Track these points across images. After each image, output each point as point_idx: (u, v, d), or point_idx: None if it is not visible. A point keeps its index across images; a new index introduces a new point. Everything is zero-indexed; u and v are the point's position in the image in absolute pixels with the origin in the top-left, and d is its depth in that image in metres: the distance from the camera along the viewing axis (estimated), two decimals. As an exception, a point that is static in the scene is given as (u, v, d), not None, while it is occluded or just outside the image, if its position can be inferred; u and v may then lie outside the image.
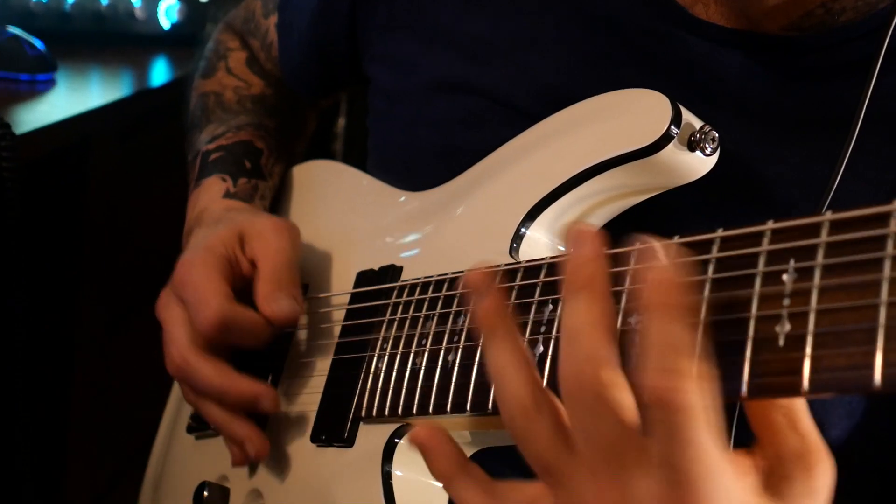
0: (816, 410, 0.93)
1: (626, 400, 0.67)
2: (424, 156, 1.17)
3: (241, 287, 1.09)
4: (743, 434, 0.72)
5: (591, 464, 0.68)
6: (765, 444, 0.70)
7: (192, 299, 1.05)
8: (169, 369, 1.08)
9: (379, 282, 1.06)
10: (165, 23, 2.31)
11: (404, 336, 0.97)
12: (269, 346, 1.08)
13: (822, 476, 0.70)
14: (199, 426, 1.22)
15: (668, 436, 0.64)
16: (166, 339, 1.08)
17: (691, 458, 0.63)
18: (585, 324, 0.69)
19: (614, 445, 0.67)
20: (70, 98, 1.86)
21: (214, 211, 1.22)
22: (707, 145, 0.89)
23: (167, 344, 1.08)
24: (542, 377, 0.79)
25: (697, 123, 0.89)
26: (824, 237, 0.65)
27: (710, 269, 0.71)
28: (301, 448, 1.07)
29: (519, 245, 0.95)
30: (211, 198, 1.25)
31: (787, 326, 0.65)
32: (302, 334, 1.14)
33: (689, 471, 0.64)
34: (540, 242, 0.95)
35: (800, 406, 0.70)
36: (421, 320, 0.96)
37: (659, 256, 0.66)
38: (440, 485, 0.94)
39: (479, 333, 0.78)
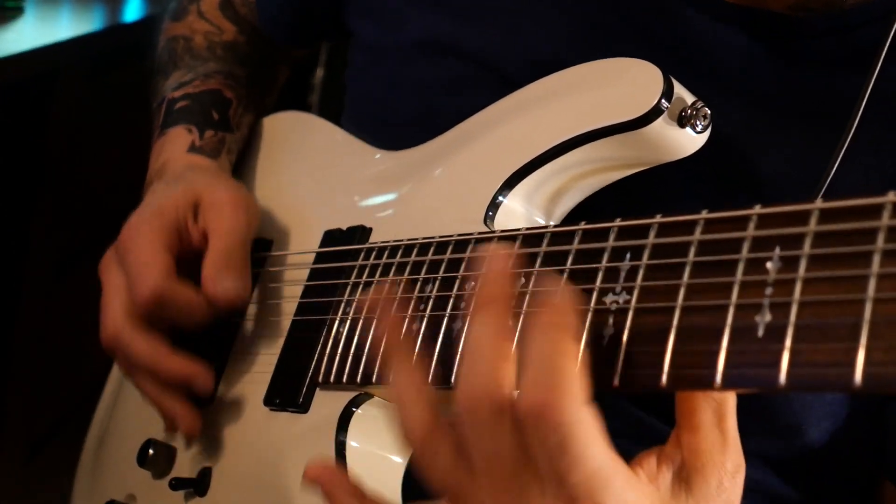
0: (795, 410, 0.92)
1: (513, 425, 0.66)
2: (401, 117, 1.14)
3: (191, 257, 1.06)
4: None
5: (492, 484, 0.68)
6: (684, 434, 0.70)
7: (131, 269, 1.02)
8: (101, 339, 1.05)
9: (346, 242, 1.03)
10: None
11: (368, 301, 0.94)
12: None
13: (733, 475, 0.70)
14: (149, 381, 1.20)
15: (552, 453, 0.63)
16: (102, 306, 1.05)
17: (580, 472, 0.63)
18: (486, 340, 0.68)
19: (512, 465, 0.66)
20: (39, 28, 1.81)
21: (177, 166, 1.18)
22: (698, 122, 0.85)
23: (103, 313, 1.05)
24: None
25: (689, 98, 0.86)
26: (813, 226, 0.62)
27: (692, 251, 0.68)
28: (253, 411, 1.04)
29: (495, 214, 0.92)
30: (175, 150, 1.21)
31: (768, 316, 0.62)
32: (264, 293, 1.11)
33: (578, 485, 0.63)
34: (516, 212, 0.92)
35: (730, 404, 0.69)
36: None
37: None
38: (397, 459, 0.92)
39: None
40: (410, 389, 0.72)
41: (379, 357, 0.80)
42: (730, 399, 0.69)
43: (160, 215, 1.05)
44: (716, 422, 0.68)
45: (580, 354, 0.67)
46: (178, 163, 1.19)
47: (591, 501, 0.63)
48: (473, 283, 0.80)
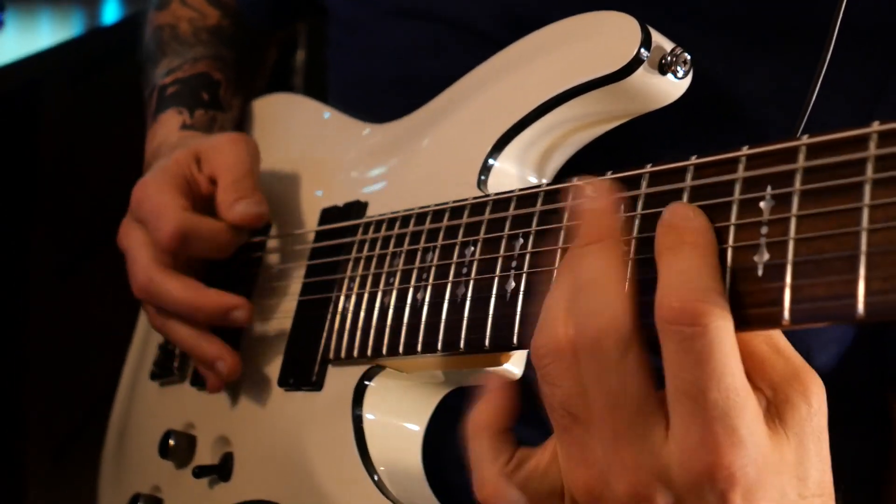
0: (802, 337, 0.92)
1: (641, 363, 0.65)
2: (383, 86, 1.14)
3: (203, 206, 1.06)
4: None
5: (611, 429, 0.65)
6: (754, 376, 0.67)
7: (149, 216, 1.03)
8: (134, 291, 1.05)
9: (344, 218, 1.03)
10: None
11: (371, 275, 0.95)
12: (232, 288, 1.05)
13: (817, 394, 0.67)
14: (163, 373, 1.20)
15: (694, 362, 0.61)
16: (130, 263, 1.05)
17: (721, 386, 0.61)
18: (603, 273, 0.66)
19: (637, 406, 0.64)
20: (19, 39, 1.81)
21: (171, 142, 1.19)
22: (679, 68, 0.85)
23: (131, 267, 1.05)
24: (515, 314, 0.78)
25: (668, 46, 0.86)
26: (801, 162, 0.63)
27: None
28: (268, 393, 1.05)
29: (487, 177, 0.92)
30: (168, 131, 1.23)
31: (766, 256, 0.63)
32: (266, 275, 1.11)
33: (717, 402, 0.61)
34: (509, 174, 0.93)
35: (777, 331, 0.67)
36: (388, 258, 0.94)
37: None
38: (414, 427, 0.93)
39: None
40: (563, 300, 0.69)
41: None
42: (776, 331, 0.66)
43: (165, 171, 1.06)
44: (774, 351, 0.66)
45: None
46: (172, 139, 1.20)
47: (725, 423, 0.61)
48: (573, 220, 0.76)
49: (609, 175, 0.74)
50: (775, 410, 0.66)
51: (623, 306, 0.65)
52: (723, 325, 0.61)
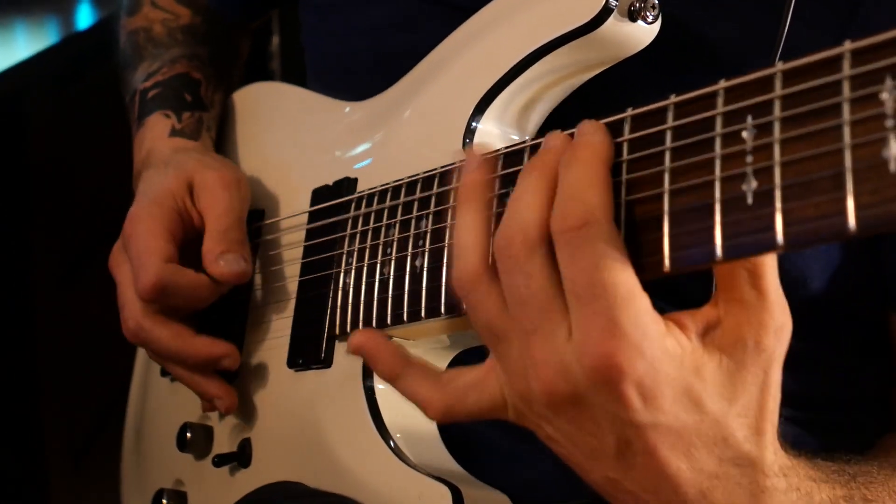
0: (798, 265, 0.93)
1: (548, 265, 0.69)
2: (361, 65, 1.15)
3: (193, 238, 1.07)
4: None
5: (523, 325, 0.70)
6: (720, 295, 0.69)
7: (134, 260, 1.04)
8: (125, 334, 1.07)
9: (335, 197, 1.04)
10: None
11: (368, 247, 0.96)
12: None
13: (774, 335, 0.68)
14: (173, 368, 1.21)
15: (576, 263, 0.67)
16: (120, 301, 1.07)
17: (598, 281, 0.66)
18: (524, 190, 0.71)
19: (542, 303, 0.69)
20: (-4, 53, 1.81)
21: (162, 151, 1.19)
22: (648, 13, 0.86)
23: (121, 307, 1.07)
24: None
25: None
26: (778, 90, 0.64)
27: (668, 138, 0.69)
28: (279, 375, 1.06)
29: (472, 140, 0.93)
30: (156, 136, 1.22)
31: (754, 183, 0.63)
32: (266, 261, 1.12)
33: (597, 296, 0.66)
34: (492, 134, 0.93)
35: (768, 263, 0.68)
36: (383, 229, 0.94)
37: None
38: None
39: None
40: (470, 234, 0.75)
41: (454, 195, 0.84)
42: (766, 259, 0.67)
43: (158, 202, 1.07)
44: (751, 281, 0.67)
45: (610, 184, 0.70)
46: (163, 148, 1.20)
47: (607, 315, 0.65)
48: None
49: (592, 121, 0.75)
50: (721, 334, 0.68)
51: (531, 214, 0.70)
52: (596, 231, 0.67)
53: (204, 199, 1.08)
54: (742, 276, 0.68)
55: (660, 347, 0.66)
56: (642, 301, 0.66)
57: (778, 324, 0.68)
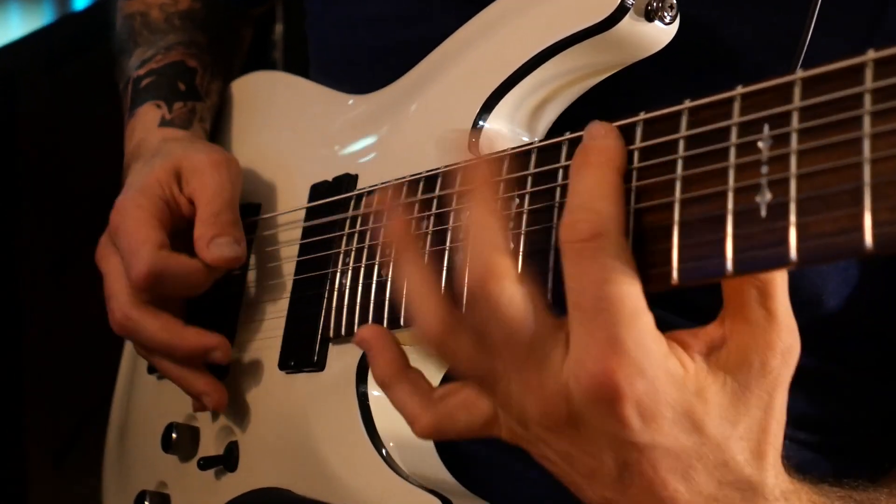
0: (814, 281, 0.91)
1: (522, 293, 0.68)
2: (366, 57, 1.13)
3: (184, 227, 1.05)
4: None
5: (514, 358, 0.69)
6: (728, 314, 0.68)
7: (124, 250, 1.02)
8: (112, 326, 1.05)
9: (334, 193, 1.02)
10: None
11: (366, 248, 0.93)
12: (225, 274, 1.04)
13: (781, 357, 0.67)
14: (161, 366, 1.19)
15: (582, 275, 0.65)
16: (107, 293, 1.04)
17: (603, 294, 0.64)
18: (481, 224, 0.71)
19: (531, 333, 0.68)
20: (-11, 32, 1.79)
21: (151, 142, 1.17)
22: (665, 13, 0.84)
23: (108, 298, 1.04)
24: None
25: None
26: (797, 100, 0.61)
27: (681, 145, 0.67)
28: (270, 377, 1.04)
29: (478, 139, 0.91)
30: (146, 127, 1.20)
31: (768, 195, 0.61)
32: (260, 257, 1.10)
33: (601, 310, 0.64)
34: (500, 133, 0.91)
35: (778, 283, 0.66)
36: (382, 230, 0.92)
37: None
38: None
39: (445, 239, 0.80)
40: (422, 286, 0.74)
41: (391, 262, 0.83)
42: (777, 278, 0.66)
43: (145, 192, 1.04)
44: (760, 300, 0.66)
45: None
46: (153, 139, 1.17)
47: (609, 331, 0.64)
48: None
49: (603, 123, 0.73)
50: (726, 355, 0.67)
51: (491, 251, 0.69)
52: (606, 244, 0.65)
53: (193, 183, 1.05)
54: (751, 295, 0.66)
55: (661, 367, 0.65)
56: (647, 319, 0.65)
57: (785, 346, 0.67)
